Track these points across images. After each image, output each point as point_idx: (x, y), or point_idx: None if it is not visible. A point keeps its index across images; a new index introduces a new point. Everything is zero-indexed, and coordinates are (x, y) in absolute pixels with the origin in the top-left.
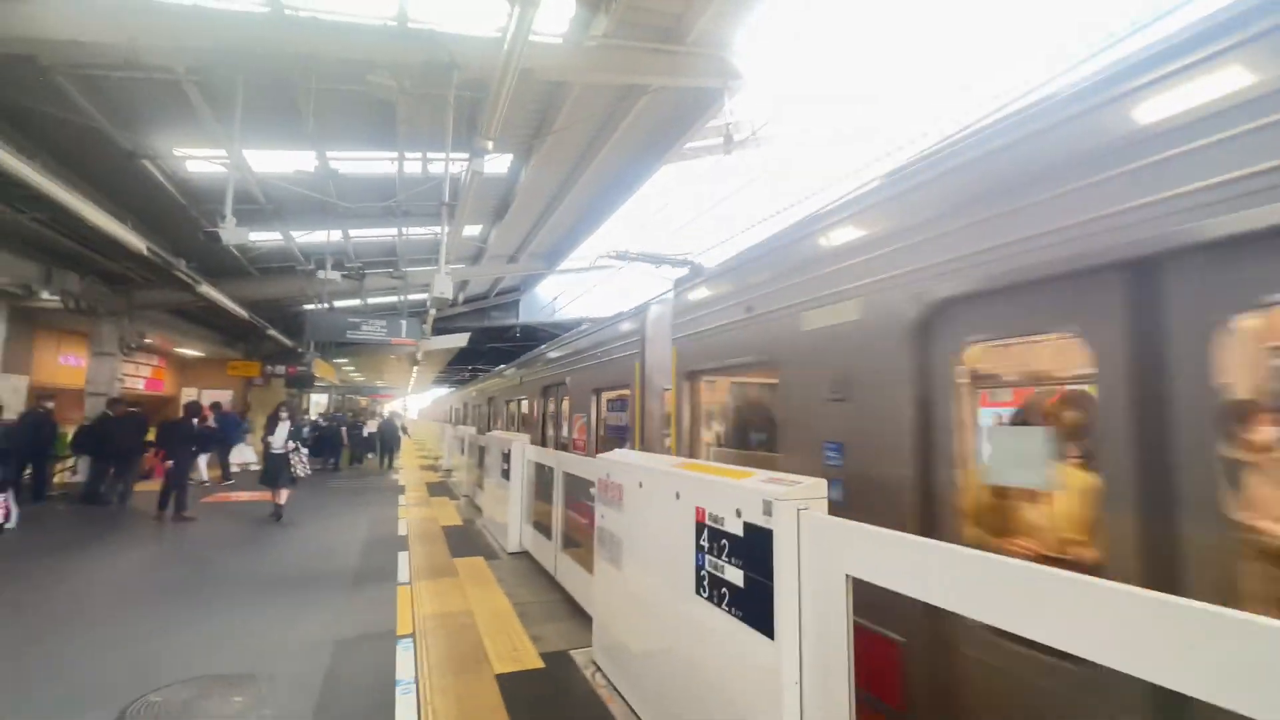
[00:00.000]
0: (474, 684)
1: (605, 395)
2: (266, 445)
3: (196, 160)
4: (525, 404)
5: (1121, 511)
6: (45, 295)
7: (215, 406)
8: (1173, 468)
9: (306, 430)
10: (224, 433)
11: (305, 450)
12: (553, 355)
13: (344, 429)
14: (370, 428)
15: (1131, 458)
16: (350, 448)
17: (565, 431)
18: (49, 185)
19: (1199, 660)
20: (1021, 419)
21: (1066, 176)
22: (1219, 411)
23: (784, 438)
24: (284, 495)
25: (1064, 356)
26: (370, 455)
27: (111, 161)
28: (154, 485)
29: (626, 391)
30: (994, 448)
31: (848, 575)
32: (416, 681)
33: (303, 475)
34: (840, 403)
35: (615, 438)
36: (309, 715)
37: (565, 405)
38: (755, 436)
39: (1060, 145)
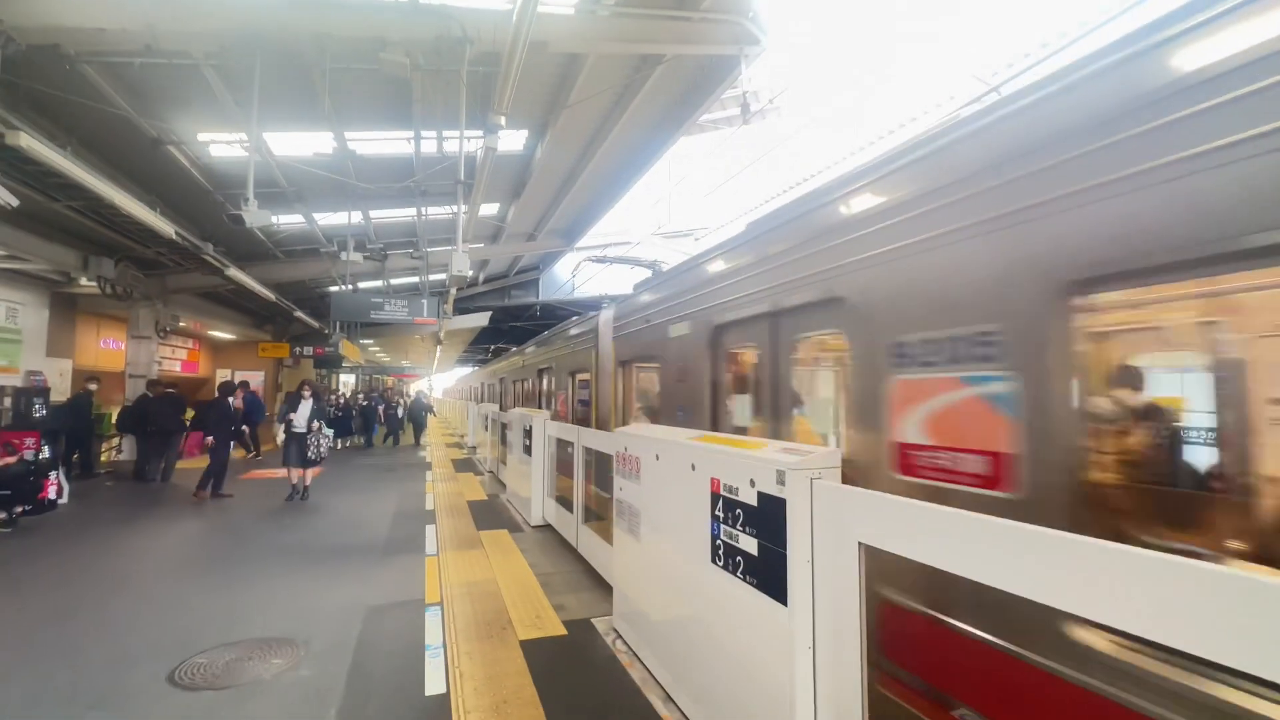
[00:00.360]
0: (499, 649)
1: (577, 376)
2: (288, 424)
3: (219, 145)
4: (527, 383)
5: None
6: (84, 281)
7: (244, 386)
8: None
9: (331, 410)
10: (249, 413)
11: (330, 431)
12: (543, 344)
13: (380, 408)
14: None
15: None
16: (385, 425)
17: (553, 405)
18: (80, 173)
19: (1216, 622)
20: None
21: (745, 276)
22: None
23: (663, 405)
24: (309, 475)
25: (756, 357)
26: (401, 432)
27: (138, 148)
28: (199, 463)
29: (588, 375)
30: (736, 405)
31: (860, 542)
32: (444, 646)
33: (324, 455)
34: (683, 383)
35: (583, 408)
36: (343, 676)
37: (553, 384)
38: (651, 405)
39: (735, 264)
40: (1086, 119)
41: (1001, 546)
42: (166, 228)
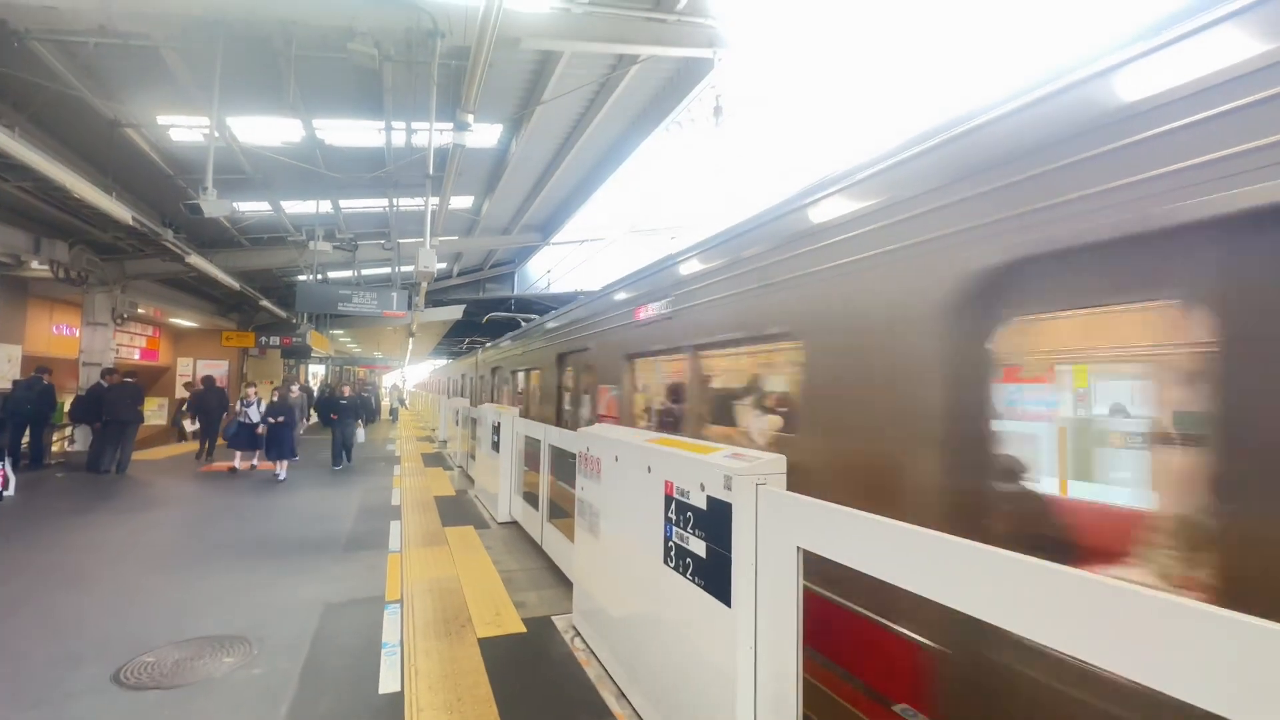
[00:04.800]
0: (457, 647)
1: (517, 374)
2: (245, 415)
3: (180, 129)
4: (483, 380)
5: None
6: (35, 265)
7: (207, 380)
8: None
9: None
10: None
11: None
12: (492, 348)
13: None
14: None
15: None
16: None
17: (501, 398)
18: (28, 154)
19: (1143, 642)
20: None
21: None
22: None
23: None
24: (238, 458)
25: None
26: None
27: (94, 130)
28: (153, 454)
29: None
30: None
31: (798, 547)
32: (401, 644)
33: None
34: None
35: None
36: (296, 674)
37: (500, 379)
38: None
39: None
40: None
41: (933, 557)
42: (123, 213)
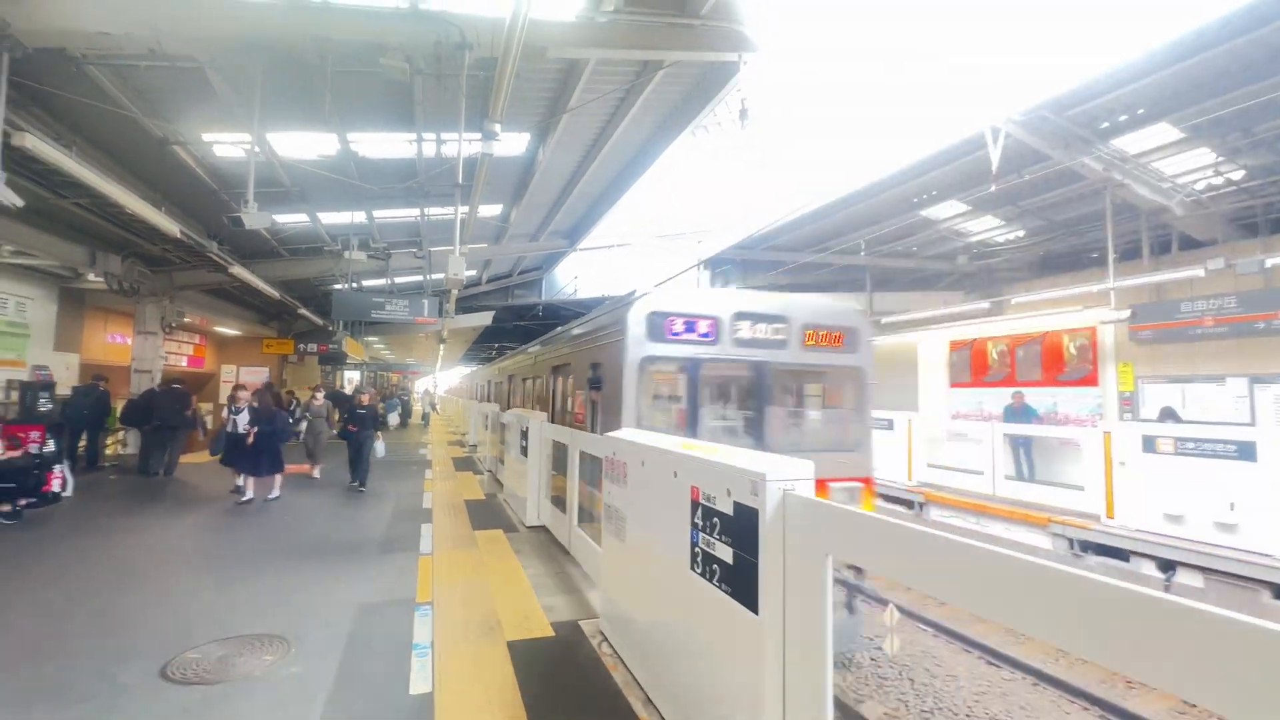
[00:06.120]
0: (486, 650)
1: (526, 382)
2: (234, 424)
3: (223, 145)
4: (504, 385)
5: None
6: (91, 277)
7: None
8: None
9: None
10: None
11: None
12: (508, 360)
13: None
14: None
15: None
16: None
17: (518, 401)
18: (84, 173)
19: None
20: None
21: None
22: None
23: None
24: (275, 479)
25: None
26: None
27: (145, 148)
28: (198, 458)
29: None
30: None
31: (829, 555)
32: (432, 646)
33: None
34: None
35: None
36: (331, 674)
37: (516, 386)
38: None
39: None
40: None
41: (975, 569)
42: (171, 226)
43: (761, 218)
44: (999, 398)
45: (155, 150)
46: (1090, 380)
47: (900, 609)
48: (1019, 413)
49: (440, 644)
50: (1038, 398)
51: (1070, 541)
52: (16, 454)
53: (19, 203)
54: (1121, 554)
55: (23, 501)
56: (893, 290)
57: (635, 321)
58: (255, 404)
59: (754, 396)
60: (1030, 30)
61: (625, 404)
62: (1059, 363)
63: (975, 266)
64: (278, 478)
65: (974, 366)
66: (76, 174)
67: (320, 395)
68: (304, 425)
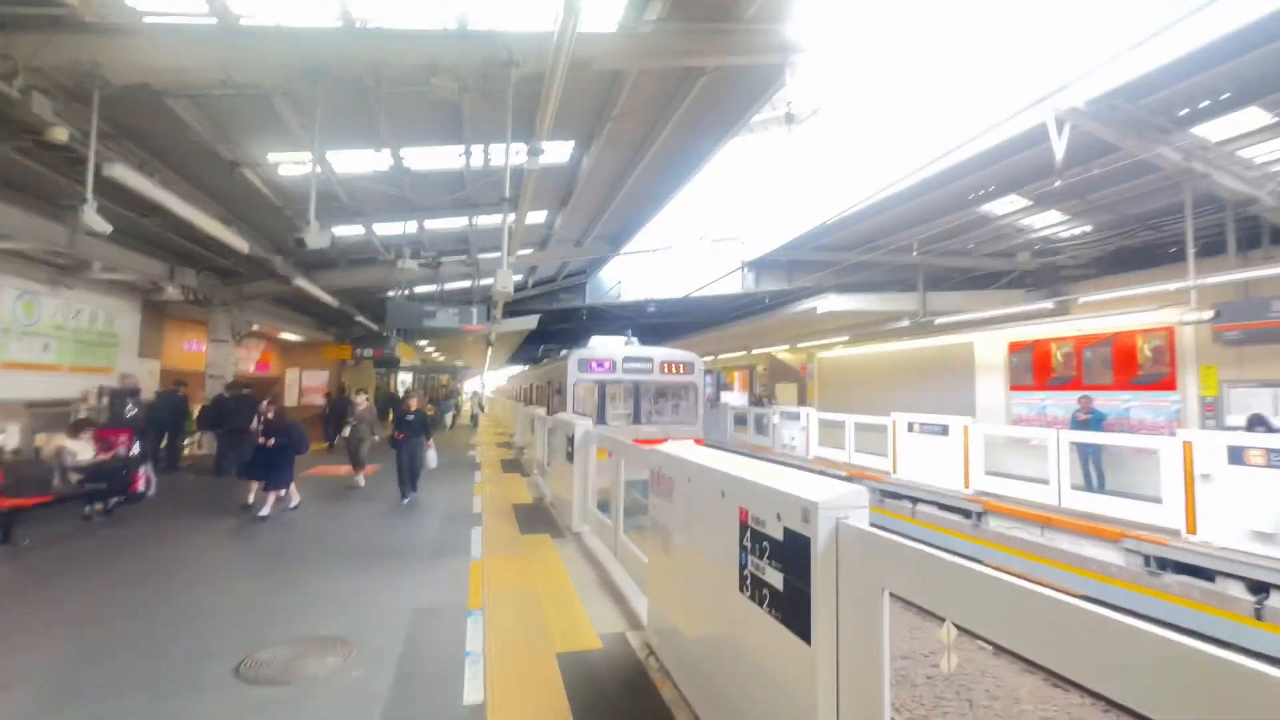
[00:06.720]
0: (535, 660)
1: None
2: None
3: (287, 165)
4: (528, 390)
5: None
6: (170, 289)
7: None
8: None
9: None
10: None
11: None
12: (525, 373)
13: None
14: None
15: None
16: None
17: (532, 399)
18: (166, 197)
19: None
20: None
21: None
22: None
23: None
24: (269, 495)
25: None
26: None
27: (216, 170)
28: None
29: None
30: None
31: (885, 590)
32: (484, 654)
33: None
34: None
35: (559, 406)
36: (389, 679)
37: (529, 390)
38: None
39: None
40: None
41: (1042, 619)
42: (240, 243)
43: (809, 218)
44: (1063, 402)
45: (225, 172)
46: (1168, 384)
47: (958, 625)
48: (1087, 423)
49: (491, 653)
50: (1109, 402)
51: (1146, 558)
52: (108, 456)
53: (108, 229)
54: (1204, 573)
55: (114, 500)
56: (945, 289)
57: (571, 363)
58: (270, 415)
59: (634, 399)
60: (1100, 11)
61: (567, 402)
62: (1132, 365)
63: (1037, 264)
64: (292, 487)
65: (1036, 369)
66: (159, 199)
67: (364, 398)
68: (346, 430)
